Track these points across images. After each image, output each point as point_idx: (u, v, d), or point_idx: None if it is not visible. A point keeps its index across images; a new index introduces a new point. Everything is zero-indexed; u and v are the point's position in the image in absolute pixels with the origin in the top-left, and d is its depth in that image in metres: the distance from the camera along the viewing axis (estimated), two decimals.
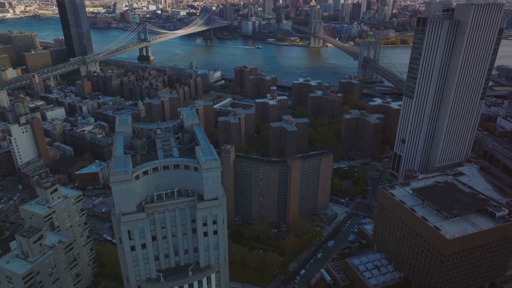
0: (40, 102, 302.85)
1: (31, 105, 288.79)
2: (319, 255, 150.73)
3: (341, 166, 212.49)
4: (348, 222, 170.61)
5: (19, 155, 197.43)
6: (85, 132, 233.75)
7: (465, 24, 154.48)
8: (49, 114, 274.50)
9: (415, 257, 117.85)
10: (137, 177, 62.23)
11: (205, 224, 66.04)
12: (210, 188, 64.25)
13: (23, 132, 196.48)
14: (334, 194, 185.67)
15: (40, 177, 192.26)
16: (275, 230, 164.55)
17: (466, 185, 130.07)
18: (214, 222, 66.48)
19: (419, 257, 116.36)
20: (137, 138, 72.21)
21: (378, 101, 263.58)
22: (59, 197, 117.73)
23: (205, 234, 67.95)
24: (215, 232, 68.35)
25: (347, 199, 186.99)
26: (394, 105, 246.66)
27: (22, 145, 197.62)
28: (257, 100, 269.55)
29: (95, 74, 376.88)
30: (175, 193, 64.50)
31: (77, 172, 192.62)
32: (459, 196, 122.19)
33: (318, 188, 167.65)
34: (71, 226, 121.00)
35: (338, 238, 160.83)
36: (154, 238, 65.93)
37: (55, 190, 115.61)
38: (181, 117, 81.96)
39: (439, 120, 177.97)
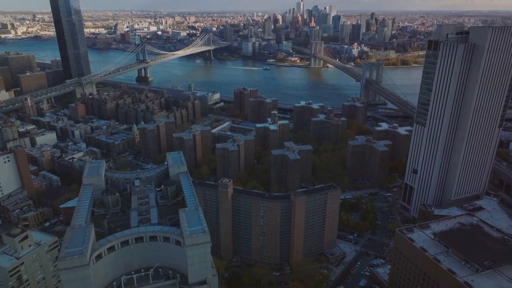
0: (31, 126, 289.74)
1: (21, 130, 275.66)
2: None
3: (347, 197, 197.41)
4: (358, 263, 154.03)
5: (0, 187, 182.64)
6: (75, 159, 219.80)
7: (481, 47, 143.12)
8: (39, 139, 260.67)
9: None
10: (99, 257, 47.76)
11: None
12: (196, 269, 49.29)
13: (5, 162, 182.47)
14: (341, 229, 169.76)
15: (21, 211, 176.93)
16: (277, 273, 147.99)
17: (494, 228, 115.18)
18: None
19: None
20: (109, 193, 58.21)
21: (384, 126, 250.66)
22: (30, 245, 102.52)
23: None
24: None
25: (355, 235, 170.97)
26: (402, 130, 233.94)
27: (4, 175, 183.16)
28: (258, 125, 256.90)
29: (91, 96, 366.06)
30: (151, 275, 49.70)
31: (61, 206, 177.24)
32: (488, 242, 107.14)
33: (324, 226, 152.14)
34: (44, 278, 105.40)
35: (348, 282, 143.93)
36: None
37: (25, 237, 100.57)
38: (166, 162, 68.29)
39: (455, 149, 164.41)
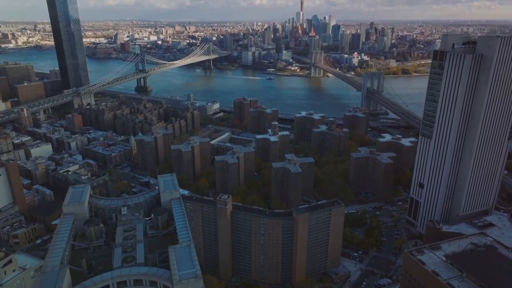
0: (26, 138, 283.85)
1: (16, 141, 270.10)
2: None
3: (350, 211, 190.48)
4: (364, 283, 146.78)
5: None
6: (69, 172, 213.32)
7: (490, 58, 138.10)
8: (34, 151, 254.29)
9: None
10: None
11: None
12: None
13: None
14: (345, 246, 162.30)
15: (12, 227, 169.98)
16: None
17: (509, 249, 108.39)
18: None
19: None
20: (92, 224, 51.91)
21: (387, 137, 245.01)
22: (14, 270, 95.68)
23: None
24: None
25: (360, 252, 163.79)
26: (406, 141, 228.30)
27: None
28: (258, 136, 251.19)
29: (88, 106, 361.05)
30: None
31: (53, 222, 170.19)
32: (505, 265, 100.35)
33: (328, 244, 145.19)
34: None
35: None
36: None
37: (9, 262, 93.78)
38: (157, 187, 62.16)
39: (463, 162, 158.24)
